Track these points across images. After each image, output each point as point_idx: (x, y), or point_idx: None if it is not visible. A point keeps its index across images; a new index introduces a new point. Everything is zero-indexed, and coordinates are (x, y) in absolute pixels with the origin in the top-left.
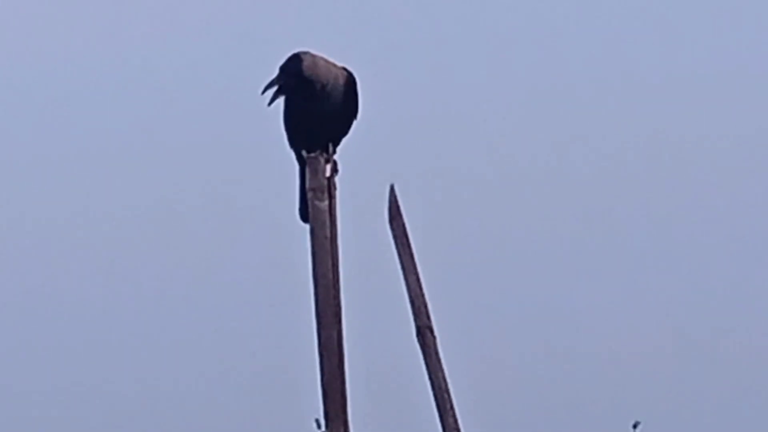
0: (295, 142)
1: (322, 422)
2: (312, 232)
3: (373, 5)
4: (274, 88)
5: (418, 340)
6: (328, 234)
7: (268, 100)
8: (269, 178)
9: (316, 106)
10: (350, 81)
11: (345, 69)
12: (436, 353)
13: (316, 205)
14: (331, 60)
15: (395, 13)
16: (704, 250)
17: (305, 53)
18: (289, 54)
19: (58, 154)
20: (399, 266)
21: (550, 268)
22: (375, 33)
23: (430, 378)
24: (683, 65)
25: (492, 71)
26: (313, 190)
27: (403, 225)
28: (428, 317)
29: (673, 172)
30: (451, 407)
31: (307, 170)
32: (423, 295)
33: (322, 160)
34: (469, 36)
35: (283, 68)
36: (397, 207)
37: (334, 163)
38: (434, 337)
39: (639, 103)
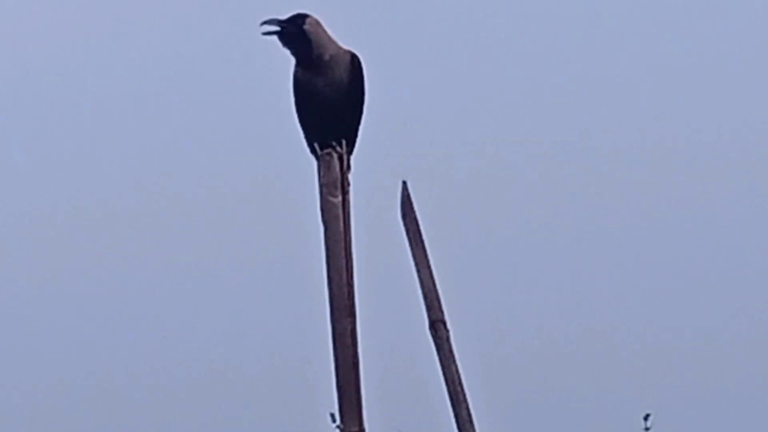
0: (307, 133)
1: (337, 416)
2: (325, 227)
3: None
4: (274, 27)
5: (431, 334)
6: (342, 229)
7: (264, 30)
8: (285, 172)
9: (319, 81)
10: (355, 61)
11: (351, 52)
12: (449, 346)
13: (329, 200)
14: (339, 42)
15: (410, 8)
16: (711, 246)
17: (311, 16)
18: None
19: (59, 153)
20: (412, 261)
21: (563, 262)
22: (389, 26)
23: (443, 371)
24: (685, 63)
25: (506, 66)
26: (326, 185)
27: (416, 220)
28: (441, 311)
29: (681, 169)
30: (464, 399)
31: (320, 166)
32: (436, 289)
33: (335, 156)
34: (485, 31)
35: (287, 19)
36: (410, 202)
37: (348, 161)
38: (447, 331)
39: (645, 103)
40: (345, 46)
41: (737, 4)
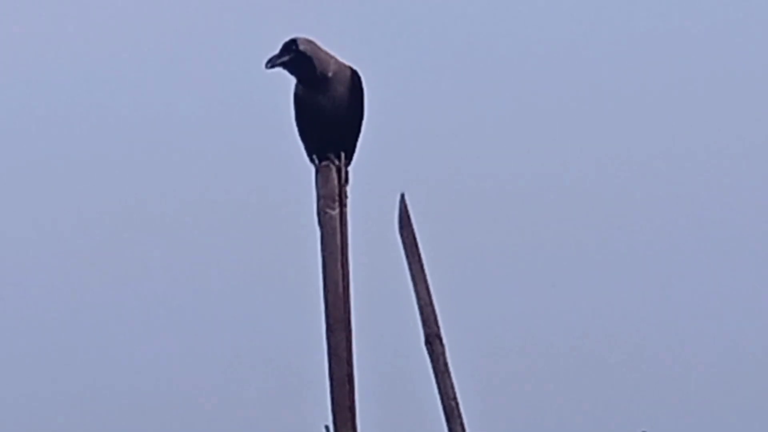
0: (307, 146)
1: (332, 429)
2: (322, 239)
3: (385, 13)
4: (278, 64)
5: (427, 348)
6: (339, 242)
7: (268, 65)
8: (281, 184)
9: (321, 98)
10: (355, 77)
11: (350, 68)
12: (445, 361)
13: (326, 213)
14: (336, 56)
15: (408, 20)
16: (718, 255)
17: (300, 37)
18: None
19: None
20: (408, 274)
21: (561, 277)
22: (387, 40)
23: (439, 386)
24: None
25: (505, 80)
26: (323, 198)
27: (413, 233)
28: (437, 325)
29: (684, 179)
30: (459, 415)
31: (318, 178)
32: (432, 304)
33: (333, 169)
34: (483, 44)
35: (282, 50)
36: (407, 215)
37: (346, 174)
38: (443, 346)
39: (645, 117)
40: (343, 61)
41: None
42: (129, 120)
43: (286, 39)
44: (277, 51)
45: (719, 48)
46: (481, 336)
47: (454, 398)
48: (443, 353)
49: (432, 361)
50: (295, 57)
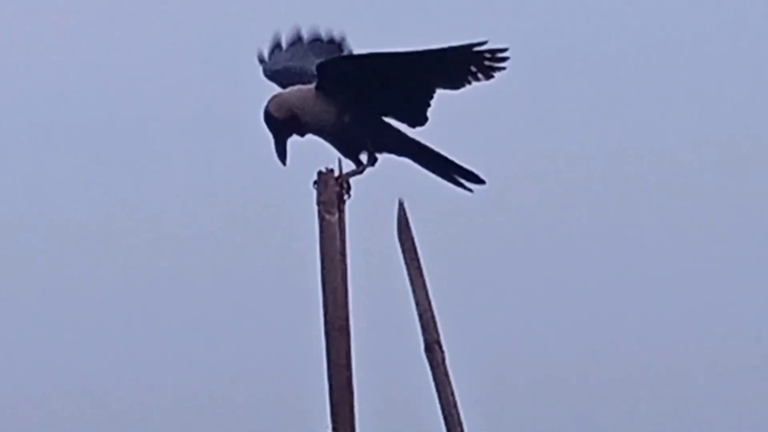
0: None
1: None
2: (321, 246)
3: (390, 16)
4: (286, 154)
5: (427, 355)
6: (338, 248)
7: (285, 163)
8: (278, 191)
9: (312, 129)
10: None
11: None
12: (445, 368)
13: (325, 218)
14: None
15: (413, 24)
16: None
17: (267, 105)
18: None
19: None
20: (408, 281)
21: (561, 283)
22: (391, 42)
23: (438, 393)
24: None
25: (504, 84)
26: (322, 203)
27: (412, 240)
28: (437, 332)
29: (682, 183)
30: (459, 423)
31: (318, 184)
32: (431, 310)
33: (334, 175)
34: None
35: (273, 133)
36: (406, 221)
37: (347, 183)
38: (443, 352)
39: (650, 123)
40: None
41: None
42: (127, 125)
43: (260, 117)
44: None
45: None
46: (481, 343)
47: (455, 405)
48: (443, 360)
49: (432, 368)
50: (281, 128)
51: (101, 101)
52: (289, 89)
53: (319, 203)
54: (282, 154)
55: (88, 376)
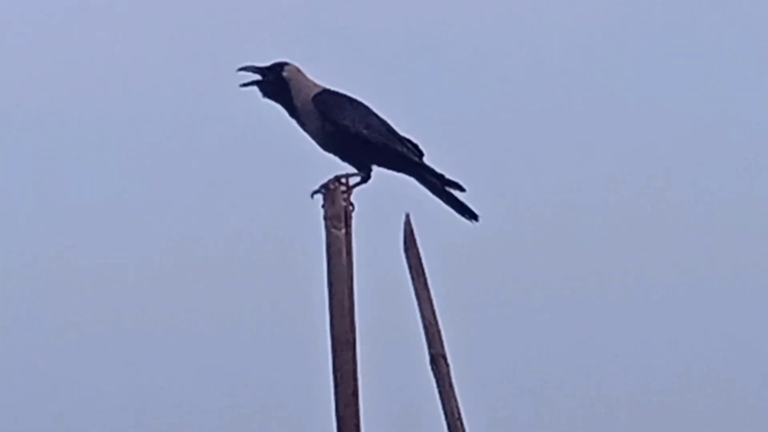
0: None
1: None
2: (328, 260)
3: (390, 33)
4: (254, 76)
5: (432, 368)
6: (344, 262)
7: (243, 81)
8: (285, 206)
9: (307, 127)
10: (319, 101)
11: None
12: (450, 381)
13: (332, 233)
14: (320, 84)
15: (411, 40)
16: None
17: (291, 64)
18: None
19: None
20: (413, 294)
21: (566, 298)
22: (390, 60)
23: (444, 406)
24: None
25: (504, 100)
26: (330, 218)
27: (418, 253)
28: (442, 345)
29: (688, 211)
30: None
31: (326, 198)
32: (437, 324)
33: (340, 190)
34: (487, 63)
35: (268, 67)
36: (412, 235)
37: (349, 199)
38: (448, 366)
39: (648, 153)
40: (329, 87)
41: None
42: (131, 141)
43: (278, 60)
44: (262, 64)
45: None
46: (485, 356)
47: (459, 418)
48: (448, 373)
49: (437, 380)
50: (273, 81)
51: (111, 123)
52: (311, 77)
53: (326, 218)
54: (251, 81)
55: (98, 388)
